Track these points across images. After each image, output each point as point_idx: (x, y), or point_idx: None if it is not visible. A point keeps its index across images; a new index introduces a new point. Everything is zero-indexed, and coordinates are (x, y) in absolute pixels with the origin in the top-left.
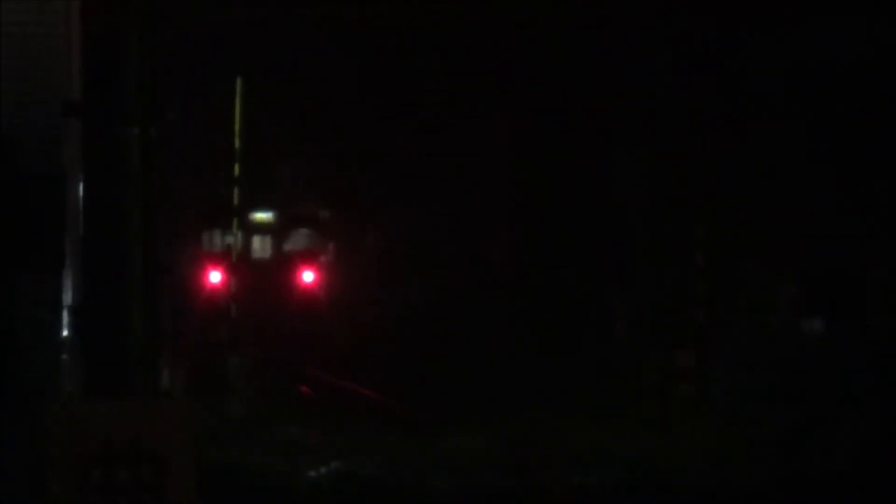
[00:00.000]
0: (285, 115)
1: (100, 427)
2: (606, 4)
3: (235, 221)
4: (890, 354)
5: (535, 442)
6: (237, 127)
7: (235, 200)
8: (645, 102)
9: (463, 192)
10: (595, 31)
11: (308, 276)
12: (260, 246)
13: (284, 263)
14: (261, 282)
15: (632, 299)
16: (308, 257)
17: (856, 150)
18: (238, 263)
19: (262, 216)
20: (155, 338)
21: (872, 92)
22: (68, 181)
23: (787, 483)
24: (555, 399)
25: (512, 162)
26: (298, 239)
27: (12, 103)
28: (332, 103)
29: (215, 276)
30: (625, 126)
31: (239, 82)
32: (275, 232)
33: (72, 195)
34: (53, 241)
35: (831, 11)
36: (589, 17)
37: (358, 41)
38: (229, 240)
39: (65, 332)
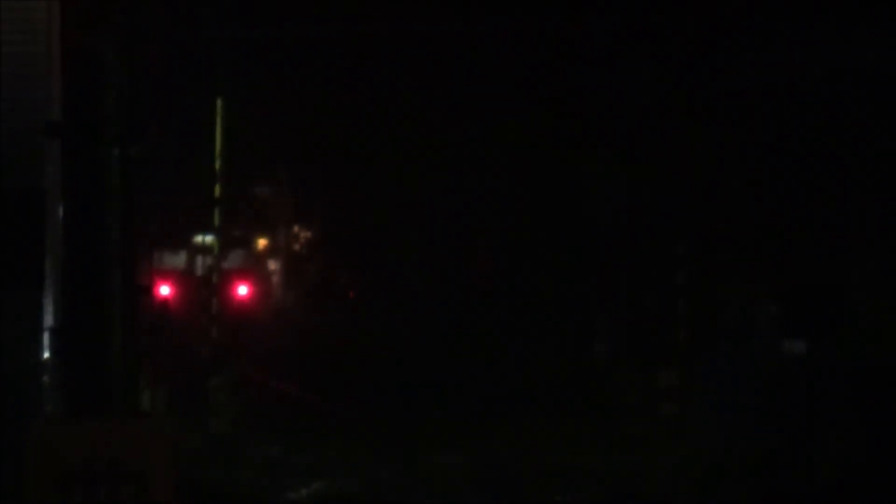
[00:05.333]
0: (264, 134)
1: (80, 446)
2: (588, 22)
3: (217, 241)
4: (870, 374)
5: (517, 460)
6: (218, 147)
7: (216, 221)
8: (624, 120)
9: (445, 208)
10: (576, 48)
11: (242, 290)
12: (202, 264)
13: (223, 279)
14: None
15: (613, 318)
16: (242, 274)
17: (836, 166)
18: (185, 280)
19: (203, 238)
20: (134, 357)
21: (850, 107)
22: (49, 198)
23: (768, 503)
24: (537, 417)
25: (492, 182)
26: (234, 258)
27: None
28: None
29: (164, 290)
30: (604, 145)
31: (219, 103)
32: (215, 252)
33: (53, 214)
34: (33, 257)
35: (808, 27)
36: (570, 36)
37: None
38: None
39: (45, 354)
